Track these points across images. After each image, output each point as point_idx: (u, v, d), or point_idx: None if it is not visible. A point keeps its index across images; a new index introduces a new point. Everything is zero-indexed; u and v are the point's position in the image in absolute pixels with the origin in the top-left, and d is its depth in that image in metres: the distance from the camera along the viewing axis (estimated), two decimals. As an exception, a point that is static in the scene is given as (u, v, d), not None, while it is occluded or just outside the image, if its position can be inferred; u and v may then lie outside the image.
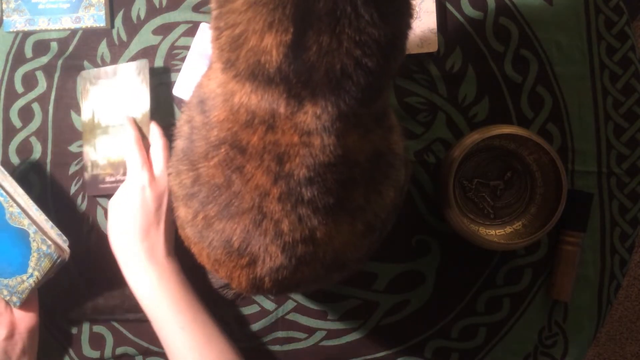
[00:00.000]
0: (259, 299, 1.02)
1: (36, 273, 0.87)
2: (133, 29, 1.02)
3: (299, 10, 0.57)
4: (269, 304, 1.02)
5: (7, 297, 0.88)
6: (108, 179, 1.00)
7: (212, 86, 0.66)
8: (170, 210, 0.89)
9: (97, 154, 1.00)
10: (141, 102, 0.98)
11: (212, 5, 0.64)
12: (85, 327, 1.01)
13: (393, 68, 0.65)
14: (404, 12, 0.65)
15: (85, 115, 1.01)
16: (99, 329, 1.01)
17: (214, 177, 0.67)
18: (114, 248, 0.91)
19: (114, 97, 1.00)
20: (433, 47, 1.01)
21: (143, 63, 0.98)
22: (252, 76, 0.61)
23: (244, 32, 0.60)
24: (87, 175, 1.00)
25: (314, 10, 0.57)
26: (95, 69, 1.01)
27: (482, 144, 0.96)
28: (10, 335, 0.87)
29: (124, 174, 0.99)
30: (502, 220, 1.00)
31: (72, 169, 1.01)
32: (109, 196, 0.99)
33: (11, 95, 1.01)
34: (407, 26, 0.66)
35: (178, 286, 0.90)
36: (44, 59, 1.01)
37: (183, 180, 0.71)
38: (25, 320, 0.90)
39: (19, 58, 1.02)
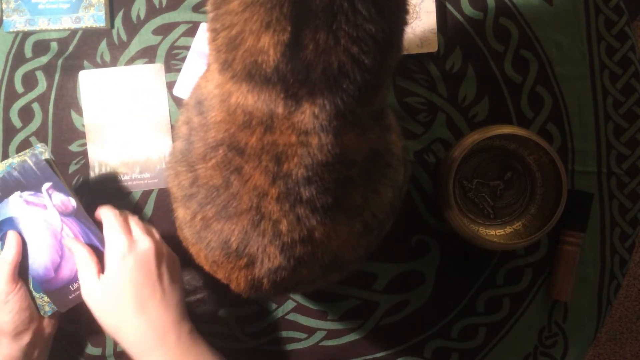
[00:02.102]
0: (259, 299, 1.02)
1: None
2: (133, 29, 1.02)
3: (296, 8, 0.57)
4: (269, 304, 1.02)
5: (40, 304, 0.88)
6: (121, 177, 1.01)
7: (210, 87, 0.66)
8: (168, 272, 0.84)
9: (106, 154, 1.01)
10: (160, 105, 1.00)
11: (208, 7, 0.64)
12: (85, 324, 1.01)
13: (390, 65, 0.65)
14: (400, 7, 0.65)
15: (89, 115, 1.01)
16: (98, 326, 1.00)
17: (212, 179, 0.67)
18: (119, 342, 0.82)
19: (127, 98, 1.01)
20: (433, 47, 1.01)
21: (158, 67, 1.01)
22: (248, 76, 0.61)
23: (240, 33, 0.60)
24: (93, 175, 1.01)
25: (311, 7, 0.57)
26: (101, 69, 1.01)
27: (482, 144, 0.96)
28: (34, 341, 0.88)
29: (140, 172, 1.00)
30: (502, 220, 1.00)
31: (72, 168, 1.01)
32: (120, 194, 1.00)
33: (11, 95, 1.01)
34: (404, 22, 0.66)
35: None
36: (44, 59, 1.01)
37: (181, 182, 0.71)
38: (48, 327, 0.91)
39: (19, 58, 1.01)
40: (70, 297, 0.89)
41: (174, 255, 0.86)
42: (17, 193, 0.85)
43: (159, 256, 0.83)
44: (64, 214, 0.86)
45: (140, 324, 0.80)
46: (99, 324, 0.83)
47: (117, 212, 0.86)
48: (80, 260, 0.83)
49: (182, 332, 0.82)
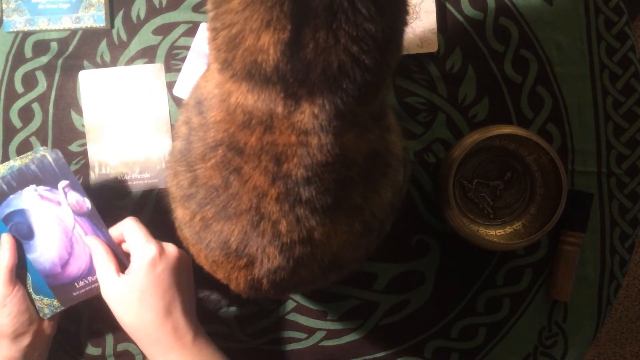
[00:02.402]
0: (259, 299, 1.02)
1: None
2: (133, 29, 1.02)
3: (296, 7, 0.57)
4: (268, 304, 1.02)
5: (39, 306, 0.89)
6: (121, 177, 1.01)
7: (210, 87, 0.66)
8: (187, 279, 0.86)
9: (106, 154, 1.01)
10: (160, 105, 1.01)
11: (208, 6, 0.64)
12: (85, 324, 1.01)
13: (390, 65, 0.65)
14: (400, 7, 0.65)
15: (89, 114, 1.01)
16: (99, 326, 1.01)
17: (212, 179, 0.67)
18: (135, 340, 0.84)
19: (126, 98, 1.01)
20: (433, 47, 1.01)
21: (158, 67, 1.01)
22: (248, 76, 0.61)
23: (240, 32, 0.60)
24: (93, 175, 1.01)
25: (311, 6, 0.57)
26: (101, 69, 1.01)
27: (482, 144, 0.96)
28: (34, 342, 0.88)
29: (140, 172, 1.00)
30: (502, 220, 1.00)
31: (72, 168, 1.01)
32: (119, 194, 1.01)
33: (11, 95, 1.01)
34: (404, 22, 0.66)
35: None
36: (44, 59, 1.01)
37: (180, 182, 0.71)
38: (48, 329, 0.91)
39: (19, 58, 1.01)
40: (75, 294, 0.89)
41: (189, 258, 0.87)
42: (32, 187, 0.84)
43: (181, 262, 0.84)
44: (78, 213, 0.86)
45: (162, 327, 0.81)
46: (118, 321, 0.83)
47: (137, 219, 0.86)
48: (99, 258, 0.84)
49: (197, 334, 0.84)
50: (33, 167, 0.83)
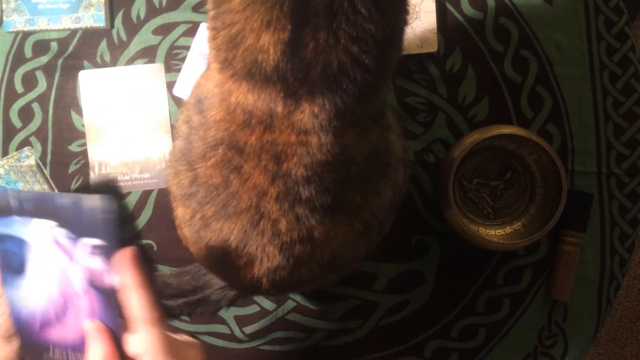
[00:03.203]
0: (259, 299, 1.02)
1: None
2: (133, 29, 1.02)
3: (296, 7, 0.57)
4: (268, 304, 1.02)
5: None
6: (121, 177, 1.01)
7: (210, 86, 0.66)
8: None
9: (106, 153, 1.01)
10: (160, 105, 1.01)
11: (209, 5, 0.64)
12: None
13: (390, 65, 0.65)
14: (400, 7, 0.65)
15: (89, 114, 1.01)
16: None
17: (212, 178, 0.67)
18: None
19: (126, 98, 1.02)
20: (433, 47, 1.01)
21: (158, 67, 1.02)
22: (248, 75, 0.61)
23: (241, 31, 0.60)
24: (93, 175, 1.01)
25: (311, 6, 0.57)
26: (101, 69, 1.02)
27: (482, 144, 0.96)
28: None
29: (140, 172, 1.01)
30: (502, 220, 1.00)
31: (72, 168, 1.01)
32: (119, 194, 1.01)
33: (11, 95, 1.01)
34: (404, 22, 0.66)
35: None
36: (44, 59, 1.01)
37: (181, 181, 0.71)
38: None
39: (19, 58, 1.02)
40: (43, 357, 0.70)
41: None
42: (52, 223, 0.59)
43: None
44: (92, 283, 0.61)
45: None
46: None
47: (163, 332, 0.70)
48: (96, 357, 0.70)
49: None
50: (62, 201, 0.58)
